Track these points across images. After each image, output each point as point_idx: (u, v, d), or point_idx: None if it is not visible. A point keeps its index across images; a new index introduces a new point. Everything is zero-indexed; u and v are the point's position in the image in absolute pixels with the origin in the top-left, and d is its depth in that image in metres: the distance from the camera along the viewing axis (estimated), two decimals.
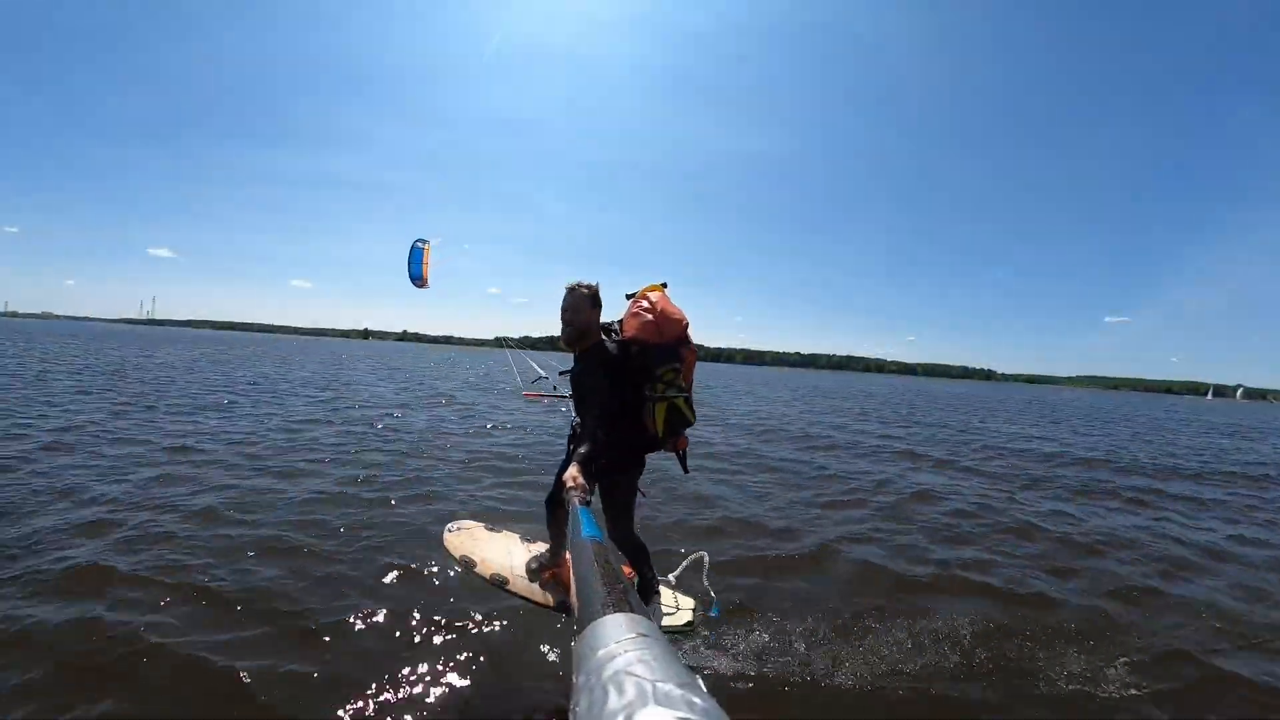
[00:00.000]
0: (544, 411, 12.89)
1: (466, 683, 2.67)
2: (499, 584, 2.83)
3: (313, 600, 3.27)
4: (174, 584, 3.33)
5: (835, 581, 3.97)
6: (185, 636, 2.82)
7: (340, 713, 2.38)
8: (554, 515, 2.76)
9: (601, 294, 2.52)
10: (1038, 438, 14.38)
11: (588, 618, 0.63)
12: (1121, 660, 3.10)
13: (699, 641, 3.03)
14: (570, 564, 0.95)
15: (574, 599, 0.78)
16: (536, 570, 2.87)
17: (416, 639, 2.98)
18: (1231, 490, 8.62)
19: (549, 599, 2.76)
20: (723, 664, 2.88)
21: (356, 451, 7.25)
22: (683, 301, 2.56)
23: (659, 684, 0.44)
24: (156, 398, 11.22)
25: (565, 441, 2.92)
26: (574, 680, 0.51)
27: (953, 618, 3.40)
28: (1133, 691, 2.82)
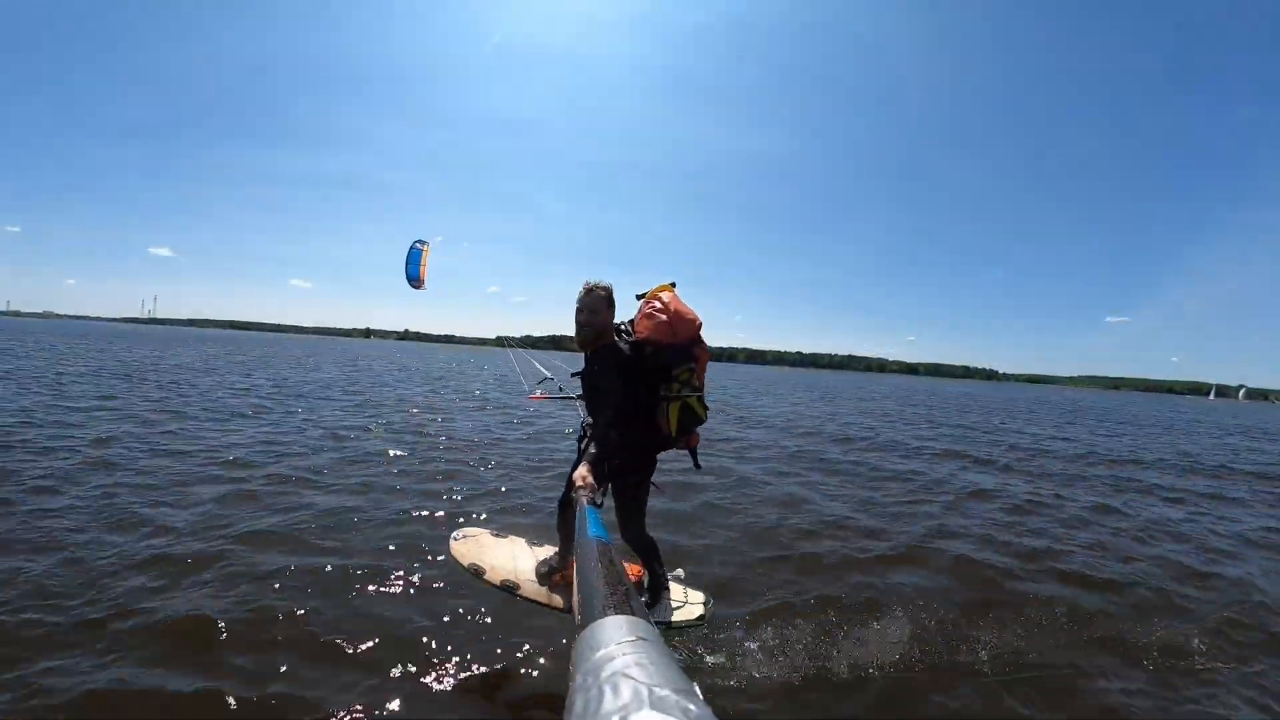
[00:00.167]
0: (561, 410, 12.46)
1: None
2: (509, 590, 2.84)
3: (470, 648, 2.93)
4: (292, 636, 2.96)
5: (939, 575, 4.42)
6: (337, 703, 2.47)
7: None
8: (564, 517, 2.77)
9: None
10: (1060, 439, 14.99)
11: (588, 618, 0.63)
12: (1198, 630, 3.73)
13: (823, 636, 3.35)
14: (575, 564, 0.96)
15: (576, 599, 0.80)
16: (546, 574, 2.87)
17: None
18: (1255, 489, 9.25)
19: (560, 602, 2.76)
20: (863, 655, 3.10)
21: (419, 463, 6.98)
22: (684, 300, 2.60)
23: (655, 688, 0.44)
24: (181, 403, 10.89)
25: (575, 442, 2.94)
26: (571, 680, 0.51)
27: (1052, 602, 3.99)
28: (1217, 663, 3.39)
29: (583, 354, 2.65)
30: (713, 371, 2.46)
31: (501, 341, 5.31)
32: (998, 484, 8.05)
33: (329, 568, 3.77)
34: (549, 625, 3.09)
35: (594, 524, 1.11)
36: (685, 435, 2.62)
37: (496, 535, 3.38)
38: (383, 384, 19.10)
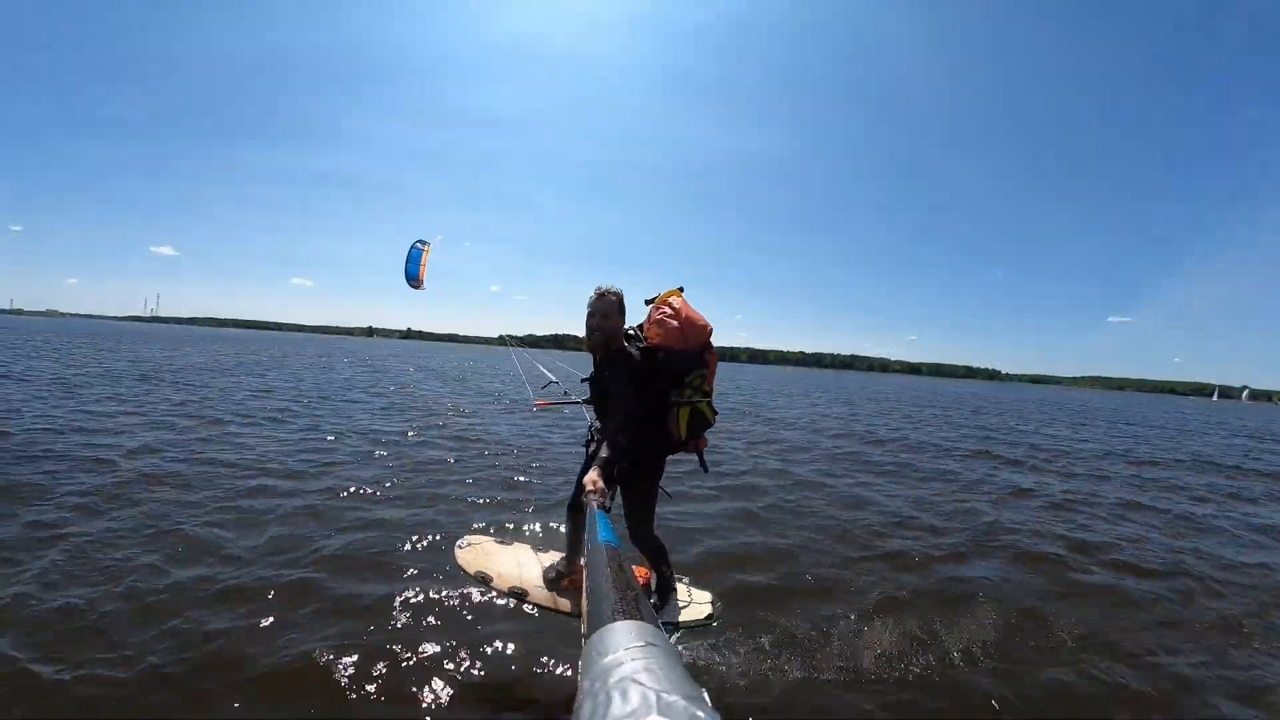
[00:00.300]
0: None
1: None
2: (518, 596, 2.86)
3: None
4: (418, 675, 2.75)
5: (1010, 567, 4.86)
6: None
7: None
8: (573, 521, 2.80)
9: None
10: (1078, 440, 15.49)
11: (597, 623, 0.64)
12: (1242, 612, 4.25)
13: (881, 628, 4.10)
14: (584, 569, 0.94)
15: (585, 603, 0.79)
16: (554, 579, 2.89)
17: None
18: (1271, 489, 9.76)
19: (568, 606, 2.78)
20: (969, 640, 3.52)
21: (476, 470, 6.86)
22: (691, 305, 2.62)
23: (663, 694, 0.44)
24: (206, 406, 10.64)
25: (583, 446, 3.01)
26: (580, 684, 0.50)
27: (1111, 589, 4.50)
28: (1266, 641, 3.90)
29: (590, 356, 2.66)
30: (719, 371, 2.85)
31: (504, 340, 5.27)
32: (1035, 483, 8.56)
33: (435, 593, 3.55)
34: (557, 630, 3.12)
35: (604, 529, 1.14)
36: (694, 439, 2.67)
37: (501, 543, 3.45)
38: (404, 385, 19.00)
